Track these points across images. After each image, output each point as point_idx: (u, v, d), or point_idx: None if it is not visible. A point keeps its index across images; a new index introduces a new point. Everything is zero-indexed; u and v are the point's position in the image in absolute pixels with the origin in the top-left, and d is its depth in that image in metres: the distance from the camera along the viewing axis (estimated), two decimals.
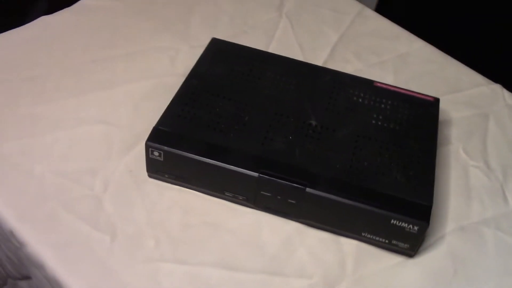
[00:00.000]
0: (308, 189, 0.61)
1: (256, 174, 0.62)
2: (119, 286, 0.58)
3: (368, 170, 0.64)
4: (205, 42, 0.79)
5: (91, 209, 0.64)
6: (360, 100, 0.73)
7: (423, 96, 0.75)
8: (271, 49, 0.89)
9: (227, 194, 0.66)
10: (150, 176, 0.68)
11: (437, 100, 0.75)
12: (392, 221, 0.60)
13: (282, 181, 0.62)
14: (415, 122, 0.71)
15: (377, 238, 0.63)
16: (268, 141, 0.66)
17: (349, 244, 0.64)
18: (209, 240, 0.63)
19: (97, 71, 0.81)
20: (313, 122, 0.68)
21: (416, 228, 0.60)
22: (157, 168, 0.66)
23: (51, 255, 0.59)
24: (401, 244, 0.62)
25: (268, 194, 0.64)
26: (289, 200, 0.63)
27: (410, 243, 0.62)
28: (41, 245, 0.60)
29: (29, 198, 0.64)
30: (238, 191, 0.65)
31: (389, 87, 0.76)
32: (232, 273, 0.60)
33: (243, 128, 0.67)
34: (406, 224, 0.60)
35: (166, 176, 0.67)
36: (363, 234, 0.63)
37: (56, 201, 0.64)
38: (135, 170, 0.68)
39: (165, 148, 0.63)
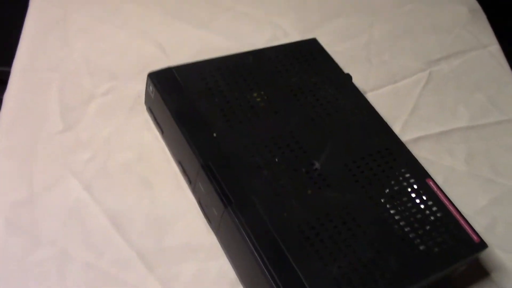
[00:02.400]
0: (228, 209, 0.51)
1: (200, 162, 0.55)
2: None
3: None
4: None
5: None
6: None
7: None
8: None
9: (180, 166, 0.60)
10: (147, 110, 0.66)
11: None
12: None
13: (214, 184, 0.53)
14: None
15: None
16: (249, 147, 0.57)
17: None
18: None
19: None
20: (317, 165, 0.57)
21: None
22: (148, 104, 0.64)
23: None
24: None
25: (202, 189, 0.56)
26: (213, 210, 0.54)
27: None
28: None
29: None
30: (186, 169, 0.59)
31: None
32: None
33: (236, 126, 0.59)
34: None
35: (152, 116, 0.64)
36: None
37: None
38: (142, 98, 0.67)
39: (159, 89, 0.60)
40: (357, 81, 0.69)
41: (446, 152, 0.72)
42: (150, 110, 0.64)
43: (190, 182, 0.58)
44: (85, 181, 0.59)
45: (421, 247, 0.52)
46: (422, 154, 0.70)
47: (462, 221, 0.56)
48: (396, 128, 0.73)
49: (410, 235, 0.53)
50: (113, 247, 0.54)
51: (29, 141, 0.61)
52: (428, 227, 0.54)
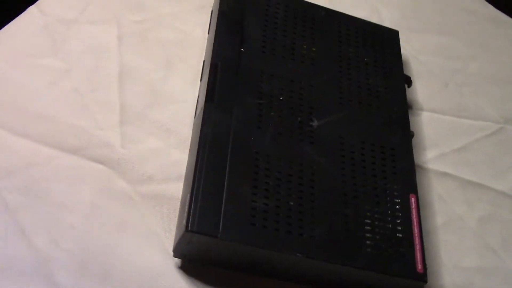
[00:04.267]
0: (207, 104, 0.53)
1: (212, 59, 0.56)
2: None
3: None
4: None
5: None
6: None
7: None
8: None
9: (202, 66, 0.63)
10: (210, 12, 0.69)
11: None
12: None
13: (210, 80, 0.55)
14: None
15: None
16: (265, 75, 0.58)
17: None
18: None
19: None
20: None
21: None
22: (212, 6, 0.67)
23: None
24: None
25: (202, 85, 0.58)
26: (200, 103, 0.56)
27: None
28: None
29: None
30: (204, 67, 0.61)
31: None
32: None
33: None
34: None
35: (210, 18, 0.67)
36: None
37: None
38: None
39: None
40: (420, 94, 0.66)
41: (465, 201, 0.66)
42: (211, 12, 0.67)
43: (201, 79, 0.61)
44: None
45: (365, 243, 0.49)
46: (439, 189, 0.65)
47: (417, 246, 0.52)
48: (430, 154, 0.68)
49: (360, 228, 0.50)
50: None
51: None
52: (381, 232, 0.51)
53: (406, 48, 0.77)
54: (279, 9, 0.64)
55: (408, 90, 0.68)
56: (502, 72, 0.80)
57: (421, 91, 0.74)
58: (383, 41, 0.67)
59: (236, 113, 0.53)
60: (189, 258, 0.50)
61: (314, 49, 0.63)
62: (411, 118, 0.67)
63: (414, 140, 0.63)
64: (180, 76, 0.63)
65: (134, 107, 0.59)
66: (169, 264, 0.50)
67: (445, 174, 0.67)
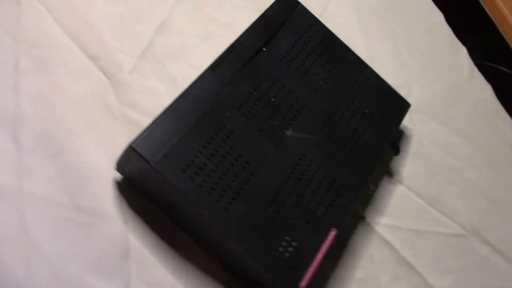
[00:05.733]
0: (207, 72, 0.61)
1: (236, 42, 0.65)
2: None
3: None
4: None
5: None
6: None
7: None
8: None
9: None
10: None
11: None
12: None
13: (224, 53, 0.63)
14: None
15: None
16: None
17: None
18: None
19: None
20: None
21: None
22: None
23: None
24: None
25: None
26: None
27: None
28: None
29: None
30: None
31: None
32: None
33: None
34: None
35: None
36: None
37: None
38: None
39: None
40: (407, 169, 0.74)
41: (392, 274, 0.69)
42: None
43: None
44: None
45: (270, 238, 0.55)
46: (374, 251, 0.69)
47: (312, 269, 0.56)
48: (384, 220, 0.72)
49: (272, 226, 0.56)
50: None
51: None
52: (288, 239, 0.56)
53: (417, 126, 0.82)
54: (315, 36, 0.72)
55: (396, 161, 0.73)
56: (495, 191, 0.82)
57: (409, 168, 0.78)
58: (391, 105, 0.73)
59: (226, 90, 0.60)
60: (126, 177, 0.58)
61: (326, 79, 0.69)
62: (387, 185, 0.72)
63: (376, 201, 0.68)
64: (209, 51, 0.72)
65: (158, 52, 0.68)
66: (109, 173, 0.58)
67: (387, 243, 0.71)
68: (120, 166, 0.57)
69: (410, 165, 0.78)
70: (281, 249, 0.55)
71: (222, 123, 0.59)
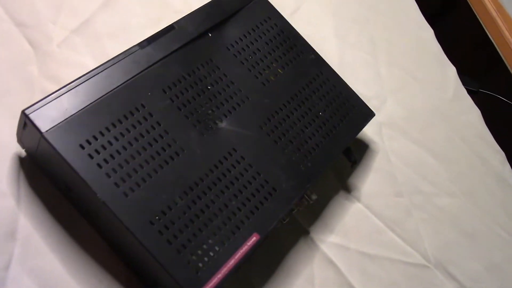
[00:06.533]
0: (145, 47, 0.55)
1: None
2: None
3: None
4: None
5: None
6: None
7: None
8: None
9: None
10: None
11: None
12: None
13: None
14: None
15: None
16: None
17: None
18: None
19: None
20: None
21: None
22: None
23: None
24: None
25: None
26: None
27: None
28: None
29: None
30: None
31: None
32: None
33: None
34: None
35: None
36: None
37: None
38: None
39: None
40: (367, 187, 0.68)
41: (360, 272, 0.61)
42: None
43: None
44: None
45: (170, 235, 0.48)
46: (314, 268, 0.61)
47: (219, 275, 0.49)
48: (333, 238, 0.64)
49: (176, 218, 0.49)
50: None
51: None
52: (197, 238, 0.49)
53: (385, 141, 0.74)
54: (272, 29, 0.66)
55: (356, 175, 0.66)
56: (469, 222, 0.73)
57: (370, 185, 0.70)
58: (351, 111, 0.66)
59: (153, 69, 0.55)
60: (28, 152, 0.52)
61: (277, 75, 0.63)
62: (342, 201, 0.65)
63: (326, 216, 0.61)
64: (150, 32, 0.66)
65: (98, 28, 0.63)
66: (12, 147, 0.52)
67: (331, 263, 0.62)
68: (19, 137, 0.51)
69: (372, 182, 0.70)
70: (186, 248, 0.48)
71: (141, 103, 0.52)
